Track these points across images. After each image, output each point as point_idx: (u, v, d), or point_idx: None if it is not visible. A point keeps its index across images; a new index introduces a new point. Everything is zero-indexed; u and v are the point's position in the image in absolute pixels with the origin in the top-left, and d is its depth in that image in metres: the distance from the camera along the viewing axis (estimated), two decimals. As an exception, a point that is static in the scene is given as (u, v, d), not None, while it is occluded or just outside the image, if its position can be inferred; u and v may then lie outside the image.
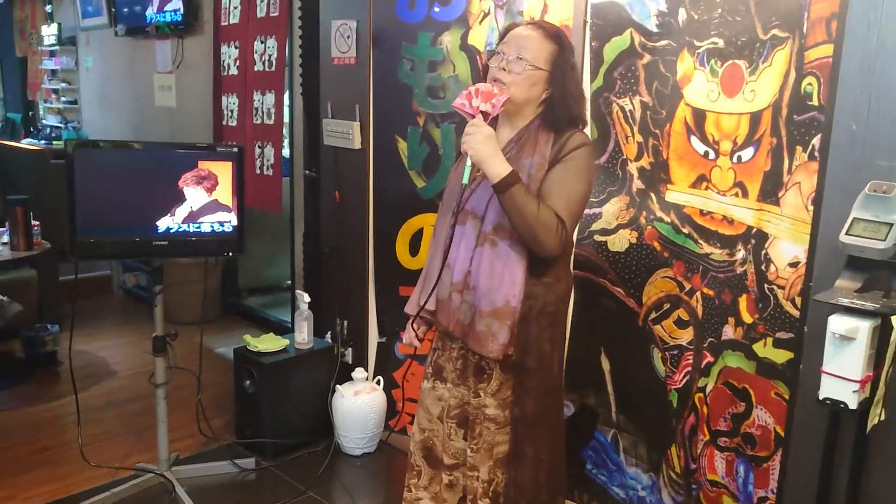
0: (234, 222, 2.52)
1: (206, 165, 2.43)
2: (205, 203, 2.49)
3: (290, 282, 5.33)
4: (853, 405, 1.60)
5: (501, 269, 1.87)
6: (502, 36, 1.96)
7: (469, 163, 1.80)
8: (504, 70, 1.86)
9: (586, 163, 1.89)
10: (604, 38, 2.38)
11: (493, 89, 1.82)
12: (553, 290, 1.94)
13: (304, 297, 3.00)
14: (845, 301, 1.59)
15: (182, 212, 2.46)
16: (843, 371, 1.59)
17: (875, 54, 1.70)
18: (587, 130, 2.45)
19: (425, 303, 1.98)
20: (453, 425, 2.05)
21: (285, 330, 4.47)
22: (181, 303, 4.54)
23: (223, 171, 2.47)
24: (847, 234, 1.62)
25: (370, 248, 3.06)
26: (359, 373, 2.99)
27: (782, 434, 2.02)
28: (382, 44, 2.89)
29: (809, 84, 1.88)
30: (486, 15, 2.69)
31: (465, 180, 1.82)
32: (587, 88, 2.44)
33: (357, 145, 2.97)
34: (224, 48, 4.44)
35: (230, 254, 2.52)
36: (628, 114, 2.38)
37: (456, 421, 2.05)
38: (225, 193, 2.50)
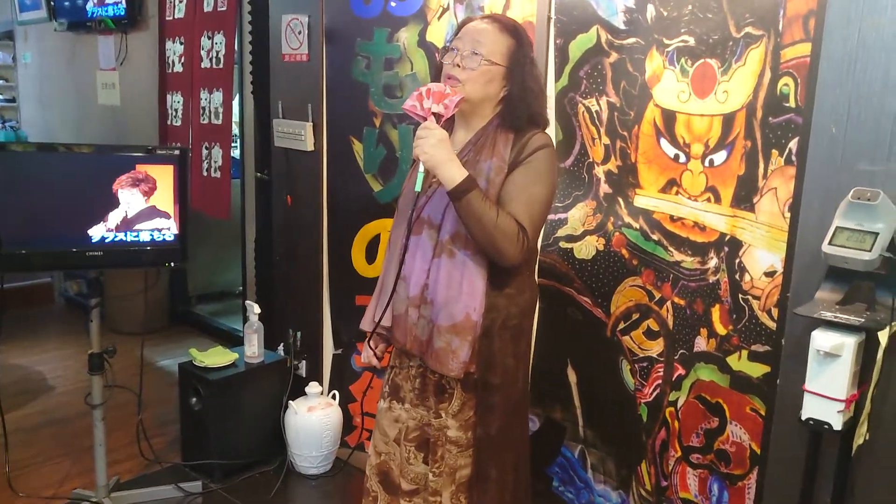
0: (176, 230, 2.34)
1: (144, 169, 2.25)
2: (141, 209, 2.31)
3: (241, 287, 5.16)
4: (838, 426, 1.51)
5: (460, 280, 1.75)
6: (457, 31, 1.84)
7: (422, 169, 1.68)
8: (458, 66, 1.74)
9: (548, 165, 1.77)
10: (569, 36, 2.27)
11: (446, 89, 1.69)
12: (516, 301, 1.82)
13: (254, 309, 2.82)
14: (828, 315, 1.50)
15: (115, 217, 2.27)
16: (827, 390, 1.49)
17: (856, 53, 1.61)
18: (551, 132, 2.35)
19: (380, 319, 1.84)
20: (412, 448, 1.92)
21: (237, 340, 4.28)
22: (125, 312, 4.33)
23: (163, 176, 2.29)
24: (830, 244, 1.52)
25: (324, 255, 2.91)
26: (313, 387, 2.83)
27: (758, 452, 1.93)
28: (336, 40, 2.74)
29: (786, 84, 1.79)
30: (444, 10, 2.56)
31: (419, 188, 1.70)
32: (551, 88, 2.33)
33: (310, 147, 2.81)
34: (169, 44, 4.21)
35: (171, 265, 2.34)
36: (594, 115, 2.27)
37: (415, 444, 1.91)
38: (164, 199, 2.32)
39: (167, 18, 4.20)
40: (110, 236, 2.26)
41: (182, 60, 4.11)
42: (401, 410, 1.93)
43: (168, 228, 2.34)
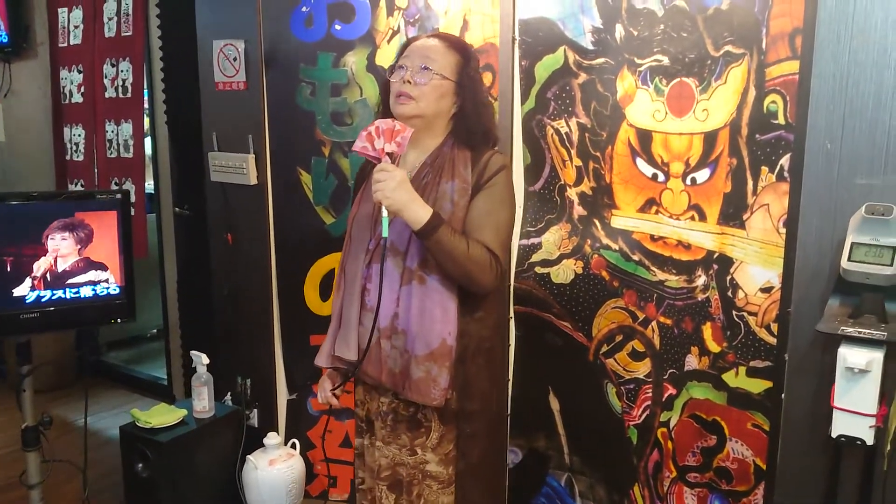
0: (118, 283, 2.11)
1: (81, 217, 2.01)
2: (73, 261, 2.06)
3: (154, 330, 4.81)
4: (870, 441, 1.51)
5: (433, 307, 1.69)
6: (402, 50, 1.81)
7: (386, 213, 1.61)
8: (409, 83, 1.70)
9: (509, 188, 1.78)
10: (534, 57, 2.22)
11: (395, 125, 1.63)
12: (486, 324, 1.79)
13: (202, 359, 2.59)
14: (851, 331, 1.50)
15: (40, 266, 2.00)
16: (857, 406, 1.50)
17: (848, 70, 1.64)
18: (518, 154, 2.29)
19: (362, 358, 1.74)
20: (384, 488, 1.82)
21: (160, 389, 3.97)
22: (28, 368, 3.91)
23: (103, 223, 2.06)
24: (849, 260, 1.53)
25: (274, 295, 2.72)
26: (272, 438, 2.63)
27: (764, 467, 1.93)
28: (277, 66, 2.57)
29: (773, 102, 1.80)
30: (395, 33, 2.45)
31: (386, 233, 1.63)
32: (517, 111, 2.27)
33: (253, 180, 2.62)
34: (64, 73, 3.87)
35: (117, 321, 2.10)
36: (564, 136, 2.23)
37: (387, 483, 1.82)
38: (101, 249, 2.08)
39: (60, 45, 3.86)
40: (47, 295, 2.00)
41: (82, 90, 3.78)
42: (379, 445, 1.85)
43: (107, 281, 2.10)
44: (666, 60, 2.00)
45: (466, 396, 1.75)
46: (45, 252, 2.03)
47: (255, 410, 2.81)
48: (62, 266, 2.02)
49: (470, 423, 1.77)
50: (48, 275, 2.00)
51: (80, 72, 3.78)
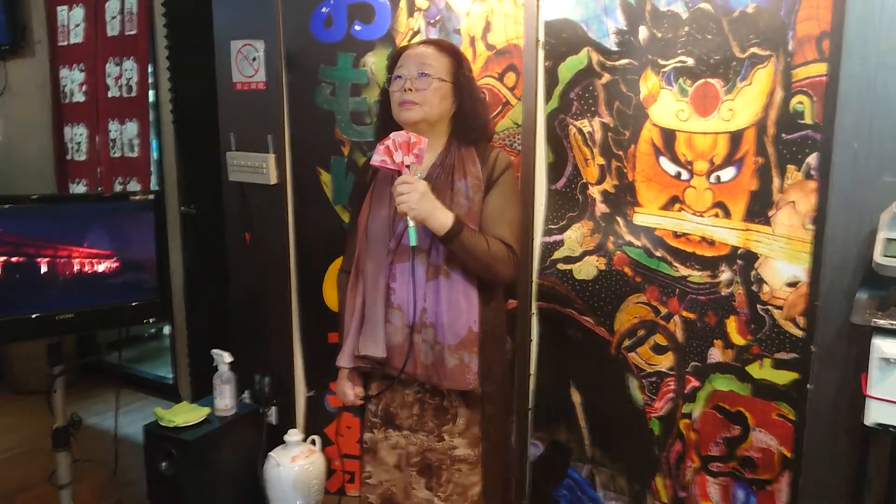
0: (154, 282, 2.12)
1: (121, 219, 2.02)
2: (109, 262, 2.07)
3: (153, 330, 4.79)
4: (904, 428, 1.58)
5: (458, 298, 1.80)
6: (395, 60, 1.90)
7: (412, 224, 1.70)
8: (411, 90, 1.80)
9: (516, 183, 1.96)
10: (558, 58, 2.27)
11: (411, 137, 1.72)
12: (499, 312, 1.94)
13: (225, 357, 2.60)
14: (884, 322, 1.57)
15: (77, 266, 2.01)
16: (891, 394, 1.56)
17: (875, 72, 1.71)
18: (540, 152, 2.34)
19: (406, 359, 1.80)
20: (414, 473, 1.91)
21: (165, 388, 3.97)
22: (27, 369, 3.90)
23: (138, 224, 2.07)
24: (884, 255, 1.60)
25: (293, 293, 2.73)
26: (293, 434, 2.65)
27: (789, 455, 2.00)
28: (296, 66, 2.58)
29: (800, 102, 1.87)
30: (415, 33, 2.48)
31: (413, 242, 1.72)
32: (540, 110, 2.32)
33: (273, 180, 2.63)
34: (65, 72, 3.85)
35: (151, 320, 2.11)
36: (587, 135, 2.27)
37: (417, 468, 1.91)
38: (139, 250, 2.09)
39: (60, 44, 3.84)
40: (83, 295, 2.00)
41: (83, 89, 3.76)
42: (398, 437, 1.92)
43: (144, 281, 2.12)
44: (690, 62, 2.05)
45: (486, 379, 1.86)
46: (81, 253, 2.04)
47: (274, 408, 2.82)
48: (98, 267, 2.03)
49: (489, 404, 1.89)
50: (85, 275, 2.00)
51: (81, 71, 3.76)
